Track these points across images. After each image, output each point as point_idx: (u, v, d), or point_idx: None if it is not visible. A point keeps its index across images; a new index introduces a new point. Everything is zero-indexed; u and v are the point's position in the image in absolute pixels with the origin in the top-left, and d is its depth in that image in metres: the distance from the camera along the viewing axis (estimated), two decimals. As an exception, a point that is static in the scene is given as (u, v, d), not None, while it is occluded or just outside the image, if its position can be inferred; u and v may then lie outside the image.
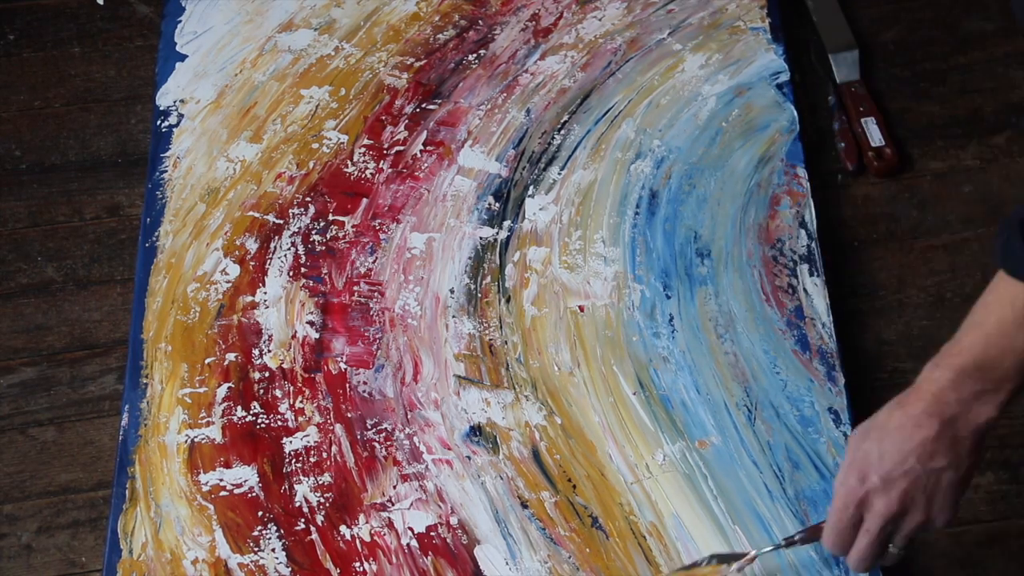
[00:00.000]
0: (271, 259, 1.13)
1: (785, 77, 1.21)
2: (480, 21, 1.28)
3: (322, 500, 1.00)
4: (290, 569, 0.97)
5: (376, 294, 1.11)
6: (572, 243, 1.12)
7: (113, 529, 0.99)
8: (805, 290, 1.08)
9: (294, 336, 1.09)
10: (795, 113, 1.19)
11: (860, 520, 0.83)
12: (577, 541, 0.97)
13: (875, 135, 1.18)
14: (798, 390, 1.03)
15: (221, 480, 1.01)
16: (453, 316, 1.09)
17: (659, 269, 1.10)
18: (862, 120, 1.19)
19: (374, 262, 1.12)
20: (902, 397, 0.82)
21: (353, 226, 1.15)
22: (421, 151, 1.19)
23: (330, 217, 1.15)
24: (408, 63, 1.25)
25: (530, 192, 1.16)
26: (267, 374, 1.07)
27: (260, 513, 1.00)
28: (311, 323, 1.09)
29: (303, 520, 0.99)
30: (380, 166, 1.18)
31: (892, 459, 0.80)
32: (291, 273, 1.12)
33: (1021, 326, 0.78)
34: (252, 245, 1.14)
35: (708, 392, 1.04)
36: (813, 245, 1.11)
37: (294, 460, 1.02)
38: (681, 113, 1.20)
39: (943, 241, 1.16)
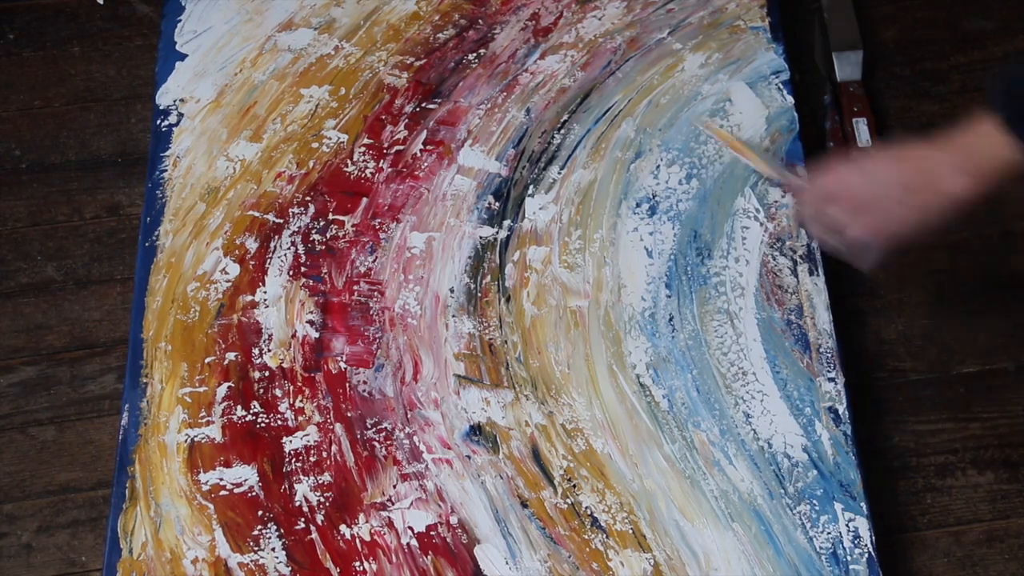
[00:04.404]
0: (271, 258, 1.13)
1: (785, 76, 1.21)
2: (480, 20, 1.28)
3: (322, 499, 1.00)
4: (290, 568, 0.97)
5: (376, 293, 1.11)
6: (572, 242, 1.12)
7: (113, 528, 0.99)
8: (805, 290, 1.08)
9: (294, 335, 1.09)
10: (795, 113, 1.19)
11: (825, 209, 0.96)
12: (577, 541, 0.97)
13: (863, 136, 1.18)
14: (798, 390, 1.03)
15: (221, 479, 1.01)
16: (453, 315, 1.09)
17: (659, 269, 1.10)
18: (854, 120, 1.19)
19: (374, 261, 1.12)
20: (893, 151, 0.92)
21: (353, 225, 1.15)
22: (421, 150, 1.19)
23: (330, 216, 1.15)
24: (408, 62, 1.25)
25: (530, 191, 1.16)
26: (267, 373, 1.07)
27: (260, 512, 1.00)
28: (311, 322, 1.09)
29: (303, 519, 0.99)
30: (380, 165, 1.18)
31: (866, 177, 0.92)
32: (291, 272, 1.12)
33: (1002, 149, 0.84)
34: (252, 244, 1.14)
35: (708, 392, 1.04)
36: (813, 245, 1.11)
37: (294, 459, 1.02)
38: (681, 112, 1.20)
39: (943, 241, 1.15)
